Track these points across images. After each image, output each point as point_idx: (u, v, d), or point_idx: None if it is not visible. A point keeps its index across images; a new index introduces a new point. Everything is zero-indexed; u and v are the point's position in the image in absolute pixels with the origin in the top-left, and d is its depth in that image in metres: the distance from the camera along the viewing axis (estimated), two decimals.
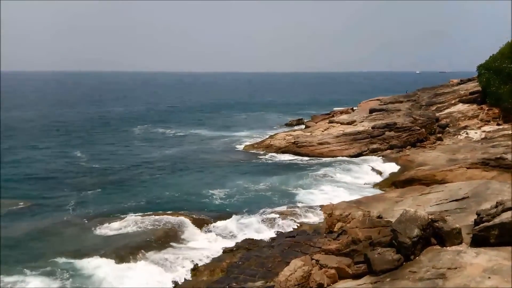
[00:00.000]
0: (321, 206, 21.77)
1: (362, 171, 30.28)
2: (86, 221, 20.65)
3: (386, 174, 29.65)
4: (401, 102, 51.56)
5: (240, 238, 18.69)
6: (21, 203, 23.44)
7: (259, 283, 14.10)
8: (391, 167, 30.93)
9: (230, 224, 20.26)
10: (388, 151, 35.10)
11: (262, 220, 20.49)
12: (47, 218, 21.45)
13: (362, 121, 42.74)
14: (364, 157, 34.44)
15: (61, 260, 16.36)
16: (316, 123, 49.36)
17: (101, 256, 16.68)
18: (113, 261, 16.30)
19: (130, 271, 15.57)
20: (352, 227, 14.74)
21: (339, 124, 43.17)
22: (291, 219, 20.28)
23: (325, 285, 12.40)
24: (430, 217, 11.76)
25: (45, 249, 17.49)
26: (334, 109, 64.74)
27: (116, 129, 54.17)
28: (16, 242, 18.31)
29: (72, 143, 42.57)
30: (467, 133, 36.67)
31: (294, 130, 46.29)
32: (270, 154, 37.10)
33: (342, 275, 12.57)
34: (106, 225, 20.10)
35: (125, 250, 17.11)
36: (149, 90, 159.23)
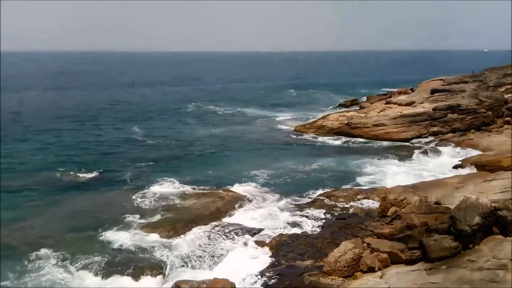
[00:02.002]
0: (375, 190, 21.20)
1: (419, 155, 28.95)
2: (140, 193, 21.67)
3: (447, 158, 28.12)
4: (466, 82, 48.44)
5: (289, 217, 18.65)
6: (81, 175, 24.97)
7: (308, 262, 14.06)
8: (453, 152, 29.29)
9: (279, 203, 20.29)
10: (450, 134, 33.22)
11: (312, 201, 20.34)
12: (105, 189, 22.78)
13: (422, 102, 40.61)
14: (422, 140, 32.90)
15: (118, 230, 17.38)
16: (371, 103, 47.55)
17: (155, 227, 17.56)
18: (165, 233, 17.05)
19: (181, 243, 16.21)
20: (407, 212, 14.24)
21: (397, 105, 41.34)
22: (342, 201, 19.91)
23: (376, 269, 12.12)
24: (493, 205, 11.13)
25: (102, 220, 18.50)
26: (393, 90, 62.08)
27: (170, 106, 55.77)
28: (75, 213, 19.56)
29: (129, 119, 44.53)
30: None
31: (348, 111, 44.99)
32: (322, 135, 36.48)
33: (394, 260, 12.25)
34: (158, 197, 20.98)
35: (178, 223, 17.85)
36: (200, 69, 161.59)
